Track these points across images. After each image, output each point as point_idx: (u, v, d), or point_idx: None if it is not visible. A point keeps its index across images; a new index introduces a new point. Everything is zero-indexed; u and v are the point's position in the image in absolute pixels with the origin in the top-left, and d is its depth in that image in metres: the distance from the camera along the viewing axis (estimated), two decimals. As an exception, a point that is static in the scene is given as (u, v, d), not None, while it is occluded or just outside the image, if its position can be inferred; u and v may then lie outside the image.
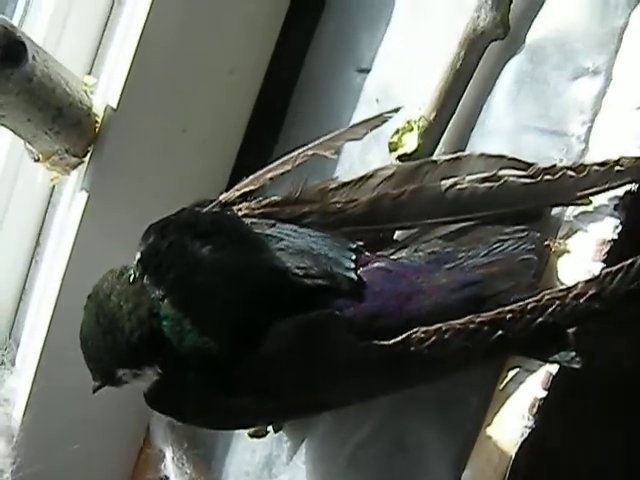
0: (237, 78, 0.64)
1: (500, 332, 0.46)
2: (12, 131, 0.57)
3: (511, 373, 0.49)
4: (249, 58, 0.63)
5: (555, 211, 0.49)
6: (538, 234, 0.48)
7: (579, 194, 0.47)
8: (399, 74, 0.60)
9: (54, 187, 0.63)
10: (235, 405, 0.50)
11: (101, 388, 0.53)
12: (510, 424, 0.47)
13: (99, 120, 0.60)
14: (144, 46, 0.59)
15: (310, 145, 0.52)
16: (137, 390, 0.65)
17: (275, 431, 0.61)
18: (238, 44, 0.62)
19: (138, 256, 0.51)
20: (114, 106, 0.59)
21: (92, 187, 0.60)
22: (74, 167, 0.61)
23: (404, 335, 0.47)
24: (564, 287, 0.45)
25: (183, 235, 0.51)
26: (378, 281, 0.49)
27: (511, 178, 0.48)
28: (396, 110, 0.50)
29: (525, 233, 0.49)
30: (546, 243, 0.49)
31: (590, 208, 0.48)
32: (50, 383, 0.61)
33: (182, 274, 0.49)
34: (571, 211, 0.49)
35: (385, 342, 0.47)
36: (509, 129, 0.51)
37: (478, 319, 0.46)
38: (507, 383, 0.49)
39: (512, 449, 0.47)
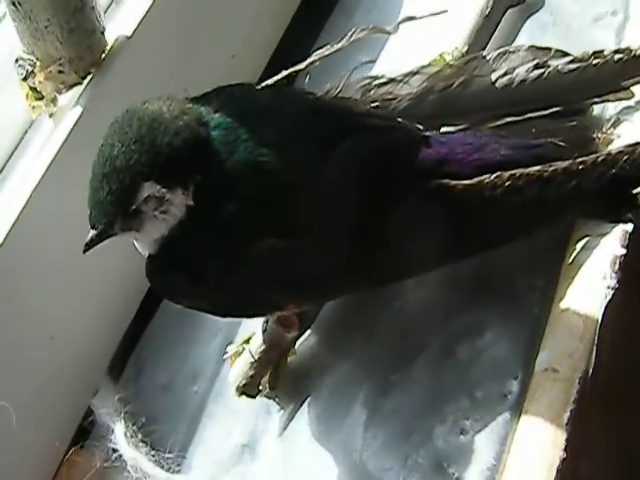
0: (239, 61, 0.64)
1: (574, 182, 0.45)
2: (24, 19, 0.52)
3: (580, 244, 0.46)
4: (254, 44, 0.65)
5: (597, 110, 0.51)
6: (587, 123, 0.50)
7: (624, 83, 0.50)
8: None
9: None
10: (279, 255, 0.42)
11: (101, 239, 0.42)
12: (589, 291, 0.44)
13: (107, 46, 0.57)
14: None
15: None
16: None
17: (271, 388, 0.50)
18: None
19: None
20: (129, 34, 0.57)
21: (87, 105, 0.54)
22: (68, 87, 0.55)
23: (476, 179, 0.44)
24: (630, 143, 0.46)
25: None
26: (443, 135, 0.47)
27: (560, 65, 0.50)
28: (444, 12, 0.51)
29: (575, 122, 0.50)
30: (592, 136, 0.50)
31: (632, 102, 0.50)
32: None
33: (239, 97, 0.44)
34: (613, 109, 0.51)
35: (458, 182, 0.44)
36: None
37: (551, 168, 0.45)
38: (578, 254, 0.46)
39: (597, 313, 0.42)
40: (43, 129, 0.58)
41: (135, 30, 0.58)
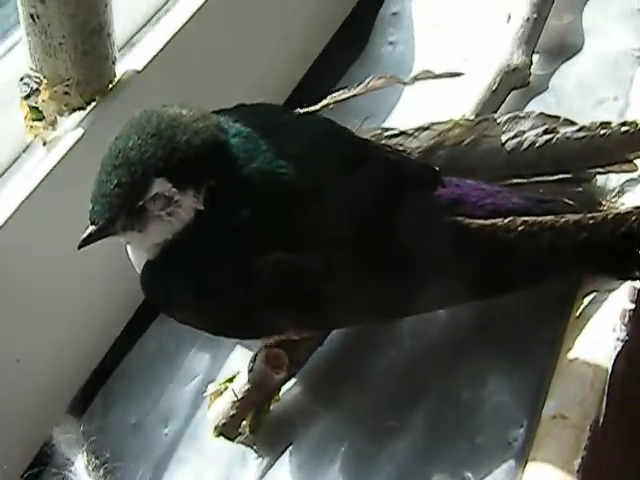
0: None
1: (584, 235, 0.44)
2: (39, 33, 0.51)
3: (587, 299, 0.45)
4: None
5: (601, 181, 0.52)
6: (592, 191, 0.50)
7: (628, 156, 0.50)
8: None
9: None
10: (285, 270, 0.39)
11: (100, 236, 0.39)
12: (598, 342, 0.43)
13: (116, 77, 0.56)
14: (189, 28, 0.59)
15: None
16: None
17: (251, 432, 0.46)
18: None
19: None
20: (139, 69, 0.56)
21: (88, 130, 0.53)
22: (71, 111, 0.54)
23: (491, 220, 0.44)
24: (638, 205, 0.46)
25: None
26: (458, 180, 0.46)
27: (569, 133, 0.51)
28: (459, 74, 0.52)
29: (580, 189, 0.50)
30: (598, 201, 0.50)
31: (635, 175, 0.51)
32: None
33: (261, 112, 0.44)
34: (616, 181, 0.51)
35: (472, 221, 0.43)
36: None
37: (563, 219, 0.45)
38: (585, 307, 0.45)
39: (606, 363, 0.41)
40: (39, 151, 0.57)
41: (146, 66, 0.59)
